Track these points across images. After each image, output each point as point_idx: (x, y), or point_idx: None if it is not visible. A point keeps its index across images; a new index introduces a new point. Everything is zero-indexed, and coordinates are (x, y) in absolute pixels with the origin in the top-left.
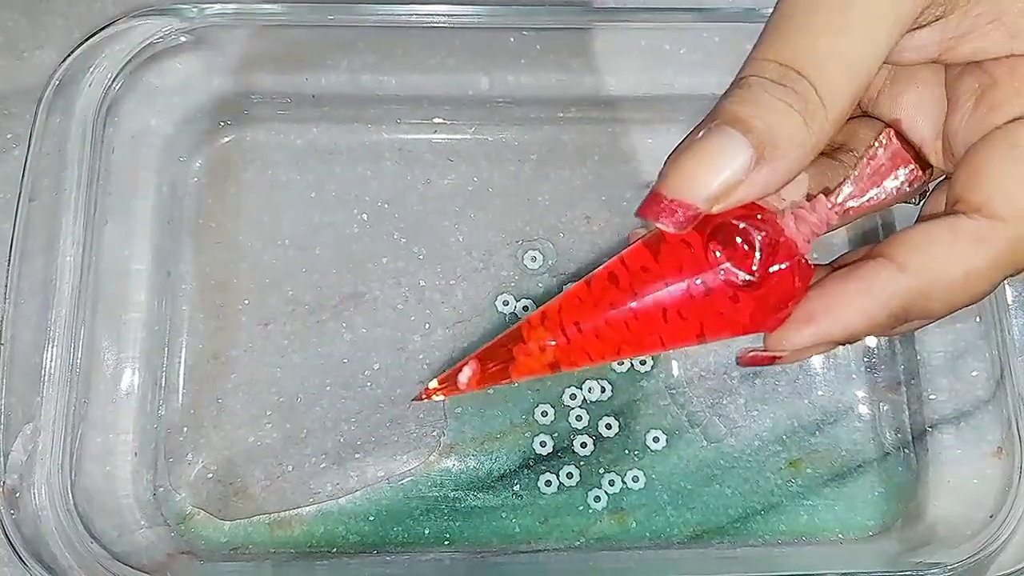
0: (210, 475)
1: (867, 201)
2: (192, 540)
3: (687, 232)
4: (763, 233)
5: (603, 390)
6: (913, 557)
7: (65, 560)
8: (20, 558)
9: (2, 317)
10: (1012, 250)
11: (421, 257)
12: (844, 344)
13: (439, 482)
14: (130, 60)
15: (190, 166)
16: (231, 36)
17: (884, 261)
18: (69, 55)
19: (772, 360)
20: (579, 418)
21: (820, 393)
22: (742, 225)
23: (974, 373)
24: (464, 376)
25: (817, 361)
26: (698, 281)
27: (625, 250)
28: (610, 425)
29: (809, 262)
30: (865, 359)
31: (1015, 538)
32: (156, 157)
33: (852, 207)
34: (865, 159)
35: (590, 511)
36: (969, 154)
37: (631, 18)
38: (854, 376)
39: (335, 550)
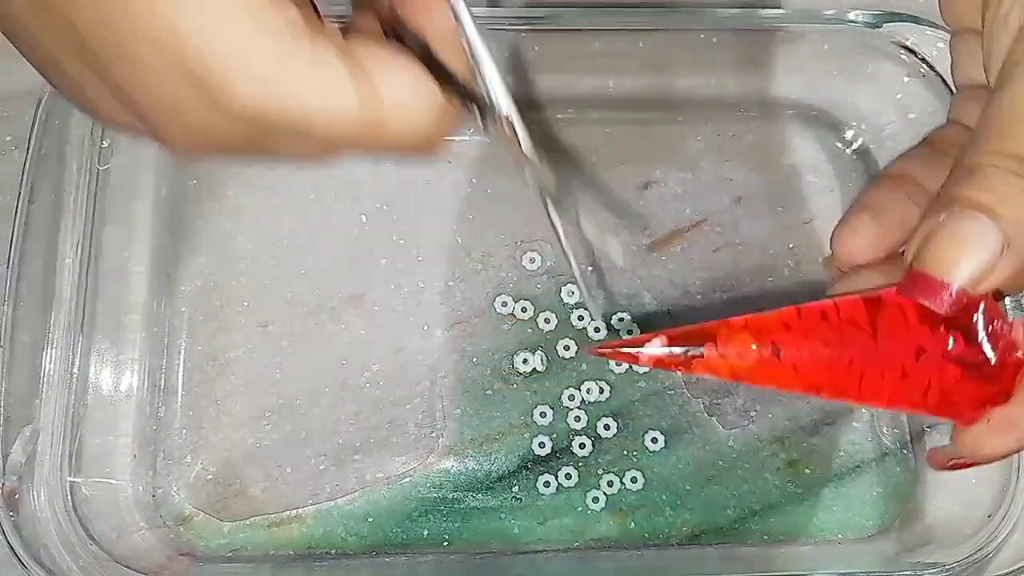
0: (209, 477)
1: None
2: (191, 542)
3: (940, 311)
4: (1004, 323)
5: (601, 391)
6: (911, 557)
7: (64, 562)
8: (19, 560)
9: (1, 319)
10: None
11: (420, 259)
12: None
13: (438, 483)
14: None
15: (189, 168)
16: None
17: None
18: None
19: (971, 466)
20: (578, 419)
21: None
22: (981, 308)
23: None
24: (650, 349)
25: None
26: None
27: (840, 297)
28: (608, 426)
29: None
30: None
31: (1013, 538)
32: (155, 159)
33: None
34: None
35: (589, 512)
36: None
37: (631, 18)
38: None
39: (334, 551)
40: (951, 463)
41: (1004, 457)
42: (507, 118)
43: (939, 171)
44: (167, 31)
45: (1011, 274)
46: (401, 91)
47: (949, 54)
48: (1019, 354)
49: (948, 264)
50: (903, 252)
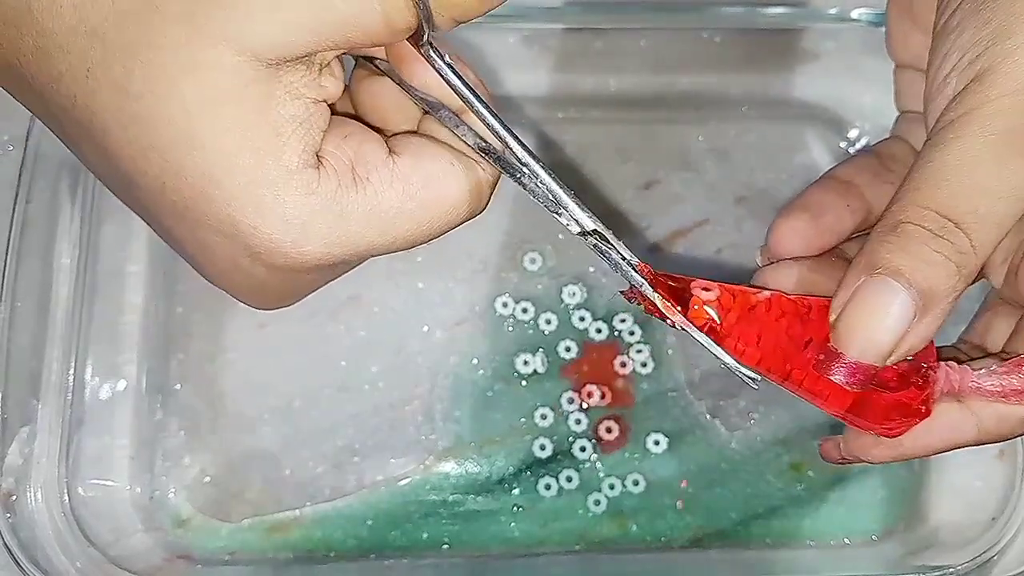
0: (207, 478)
1: (994, 398)
2: (189, 544)
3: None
4: (933, 371)
5: (603, 395)
6: (916, 560)
7: (62, 564)
8: (16, 562)
9: None
10: None
11: (419, 259)
12: None
13: (438, 486)
14: None
15: None
16: None
17: (970, 418)
18: None
19: (852, 463)
20: (578, 421)
21: None
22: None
23: None
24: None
25: None
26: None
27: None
28: (610, 428)
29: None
30: None
31: (1018, 540)
32: None
33: (984, 391)
34: (1014, 368)
35: (590, 515)
36: None
37: (631, 17)
38: None
39: (333, 554)
40: (840, 458)
41: (887, 462)
42: (531, 173)
43: (882, 185)
44: (228, 223)
45: (926, 337)
46: (438, 185)
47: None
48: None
49: (862, 343)
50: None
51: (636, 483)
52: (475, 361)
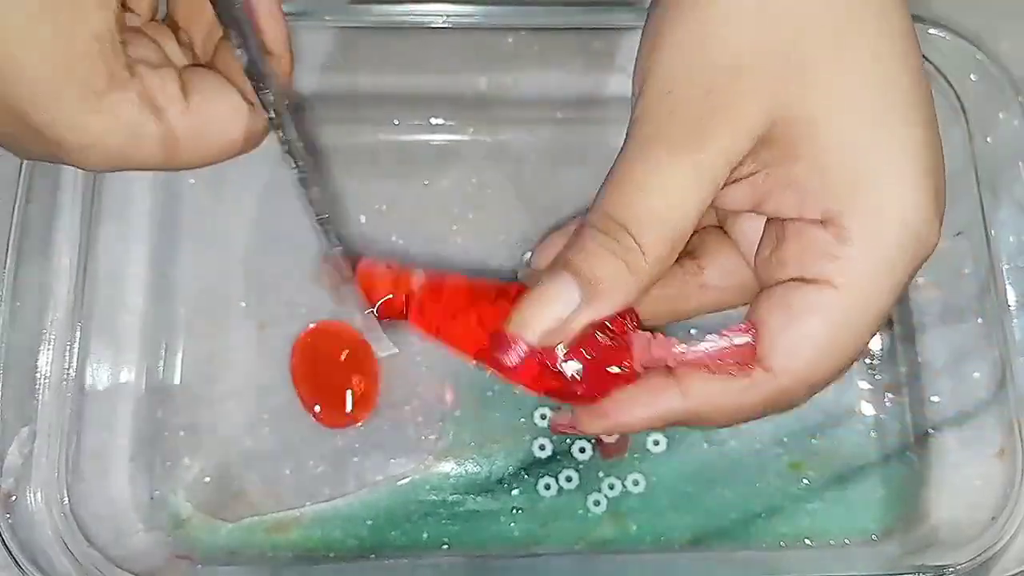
0: (207, 478)
1: (700, 366)
2: (189, 544)
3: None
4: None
5: None
6: (915, 560)
7: (62, 565)
8: (16, 563)
9: None
10: (775, 398)
11: (420, 259)
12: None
13: (437, 486)
14: None
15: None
16: None
17: (672, 382)
18: None
19: (573, 432)
20: None
21: (821, 395)
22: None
23: (976, 375)
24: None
25: None
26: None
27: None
28: None
29: (636, 372)
30: (867, 361)
31: (1017, 540)
32: None
33: (687, 362)
34: (720, 339)
35: (590, 515)
36: (757, 301)
37: (630, 17)
38: (855, 378)
39: (332, 554)
40: (561, 427)
41: (601, 432)
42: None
43: None
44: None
45: (590, 322)
46: (221, 126)
47: None
48: (632, 363)
49: (521, 323)
50: None
51: (636, 483)
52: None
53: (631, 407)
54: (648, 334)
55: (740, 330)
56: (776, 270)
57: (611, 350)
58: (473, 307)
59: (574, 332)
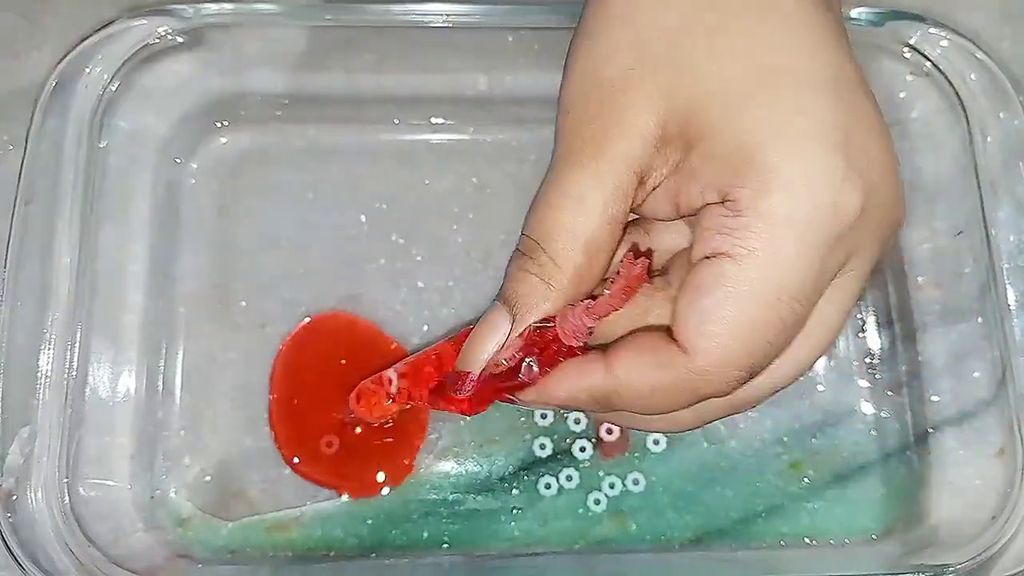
0: (208, 478)
1: (611, 308)
2: (190, 543)
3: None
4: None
5: None
6: (915, 559)
7: (62, 564)
8: (17, 562)
9: None
10: (695, 380)
11: (419, 258)
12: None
13: (437, 485)
14: (126, 61)
15: (187, 167)
16: (228, 36)
17: (599, 358)
18: (65, 56)
19: (512, 401)
20: (578, 421)
21: (821, 394)
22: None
23: (976, 374)
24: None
25: (819, 362)
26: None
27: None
28: (611, 429)
29: (566, 348)
30: (867, 360)
31: (1017, 539)
32: (152, 158)
33: (599, 311)
34: (618, 277)
35: (590, 514)
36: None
37: None
38: (855, 377)
39: (333, 553)
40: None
41: (534, 406)
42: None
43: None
44: None
45: (518, 338)
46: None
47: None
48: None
49: (467, 360)
50: None
51: (636, 482)
52: None
53: (560, 380)
54: (569, 307)
55: (629, 260)
56: (693, 254)
57: (547, 340)
58: (438, 370)
59: (513, 348)
